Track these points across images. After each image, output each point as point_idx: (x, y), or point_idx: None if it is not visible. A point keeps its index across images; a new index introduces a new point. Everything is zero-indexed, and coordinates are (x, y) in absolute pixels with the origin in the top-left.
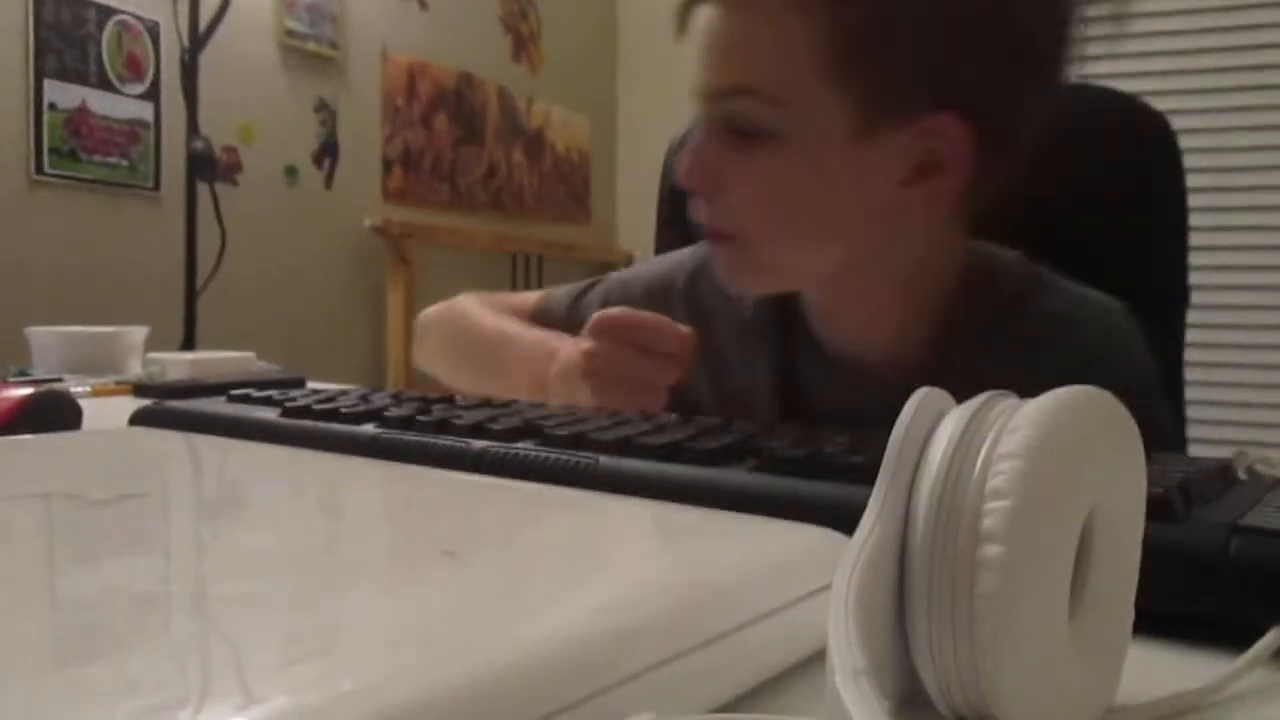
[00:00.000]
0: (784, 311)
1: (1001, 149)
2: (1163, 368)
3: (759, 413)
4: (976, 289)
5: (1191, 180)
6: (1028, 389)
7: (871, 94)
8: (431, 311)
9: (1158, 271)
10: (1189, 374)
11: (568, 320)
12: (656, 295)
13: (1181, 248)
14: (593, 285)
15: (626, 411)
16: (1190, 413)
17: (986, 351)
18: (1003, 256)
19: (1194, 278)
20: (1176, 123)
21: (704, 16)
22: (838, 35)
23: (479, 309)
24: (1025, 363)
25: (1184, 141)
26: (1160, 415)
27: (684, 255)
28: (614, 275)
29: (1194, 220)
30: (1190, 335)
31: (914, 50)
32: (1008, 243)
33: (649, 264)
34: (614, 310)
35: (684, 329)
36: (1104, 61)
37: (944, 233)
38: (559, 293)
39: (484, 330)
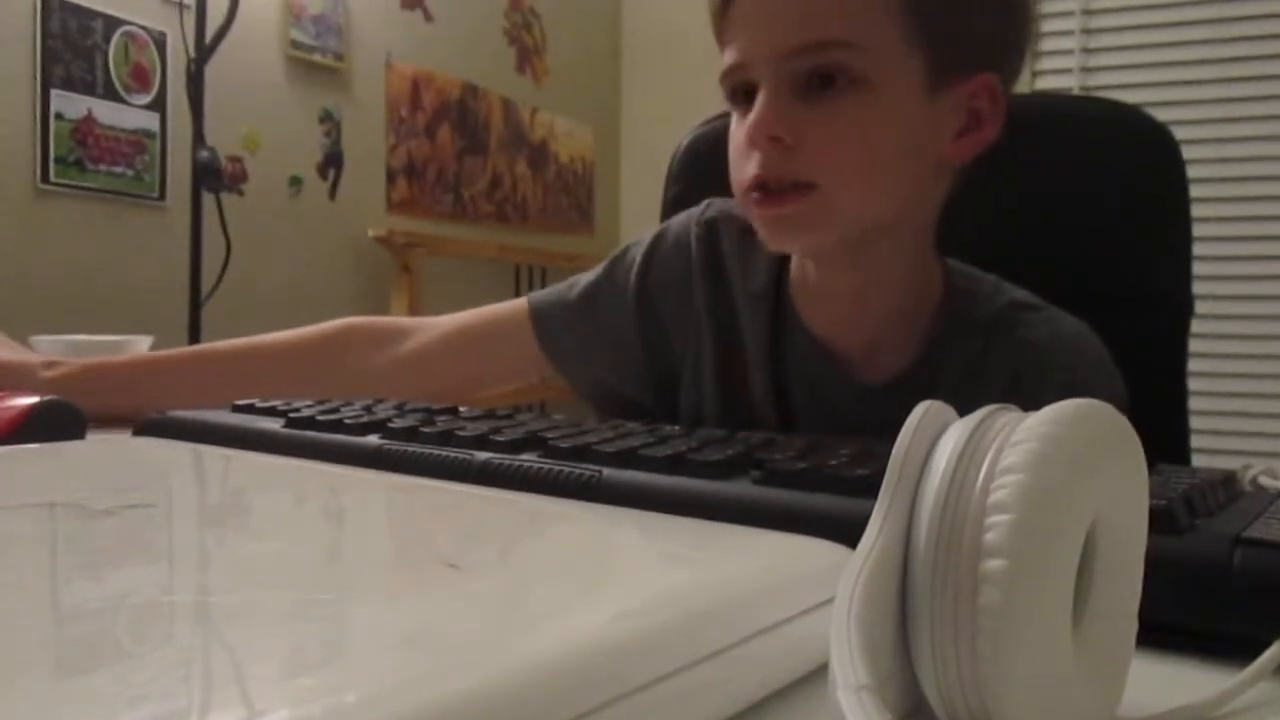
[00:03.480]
0: (780, 289)
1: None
2: (1168, 381)
3: (753, 377)
4: (956, 308)
5: (1195, 191)
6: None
7: (937, 54)
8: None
9: (1161, 282)
10: (1192, 384)
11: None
12: (684, 247)
13: (1185, 258)
14: (622, 255)
15: None
16: (1193, 423)
17: (967, 373)
18: (981, 279)
19: (1198, 288)
20: (1180, 133)
21: None
22: (916, 4)
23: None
24: (1008, 391)
25: (1188, 152)
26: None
27: (687, 217)
28: (644, 238)
29: (1198, 231)
30: (1194, 345)
31: (972, 16)
32: (1016, 254)
33: (656, 229)
34: None
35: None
36: (1108, 73)
37: (933, 254)
38: (561, 286)
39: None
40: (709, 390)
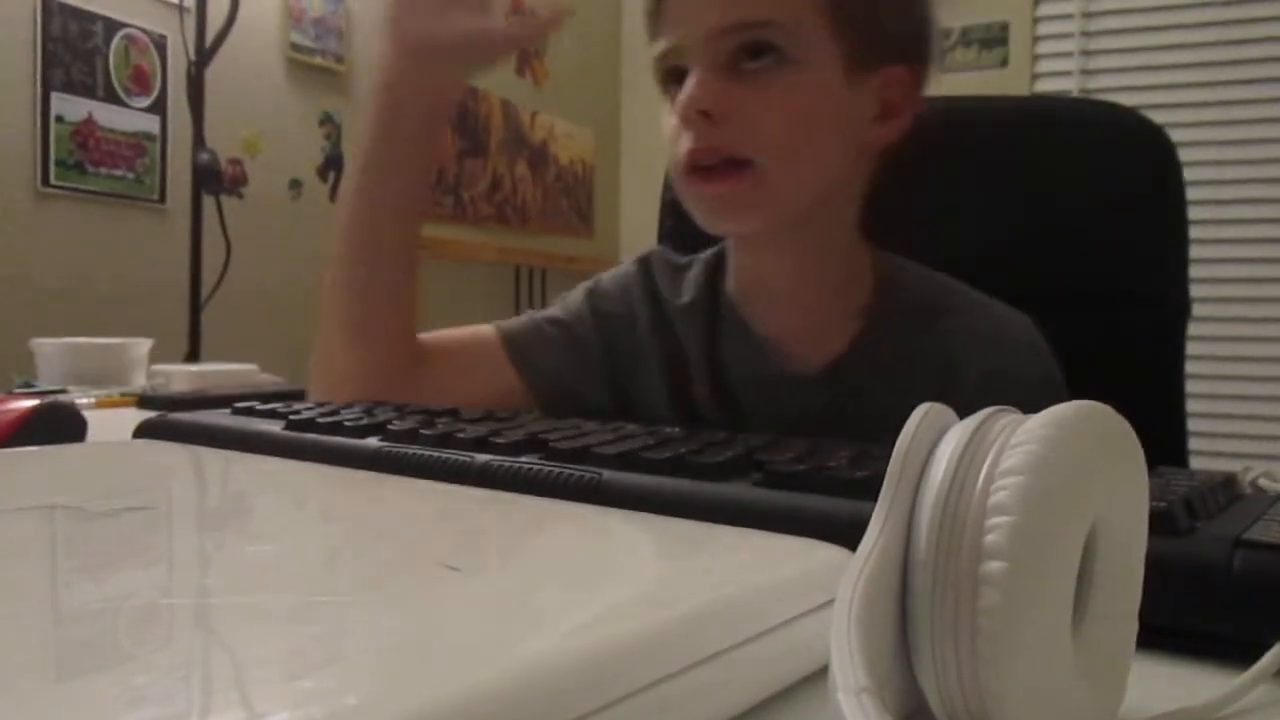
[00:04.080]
0: (715, 294)
1: (922, 102)
2: (1166, 382)
3: (696, 386)
4: (888, 295)
5: (1195, 192)
6: (947, 400)
7: (853, 43)
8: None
9: (1158, 283)
10: (1190, 386)
11: (562, 324)
12: (622, 287)
13: (1182, 259)
14: (566, 295)
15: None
16: (1191, 425)
17: (901, 357)
18: (911, 267)
19: (1196, 289)
20: (1179, 135)
21: None
22: None
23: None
24: (945, 375)
25: (1188, 153)
26: None
27: (628, 263)
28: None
29: (1197, 232)
30: (1192, 347)
31: (881, 11)
32: (1013, 255)
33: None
34: None
35: None
36: (1108, 74)
37: (861, 243)
38: (524, 316)
39: (343, 213)
40: (661, 401)
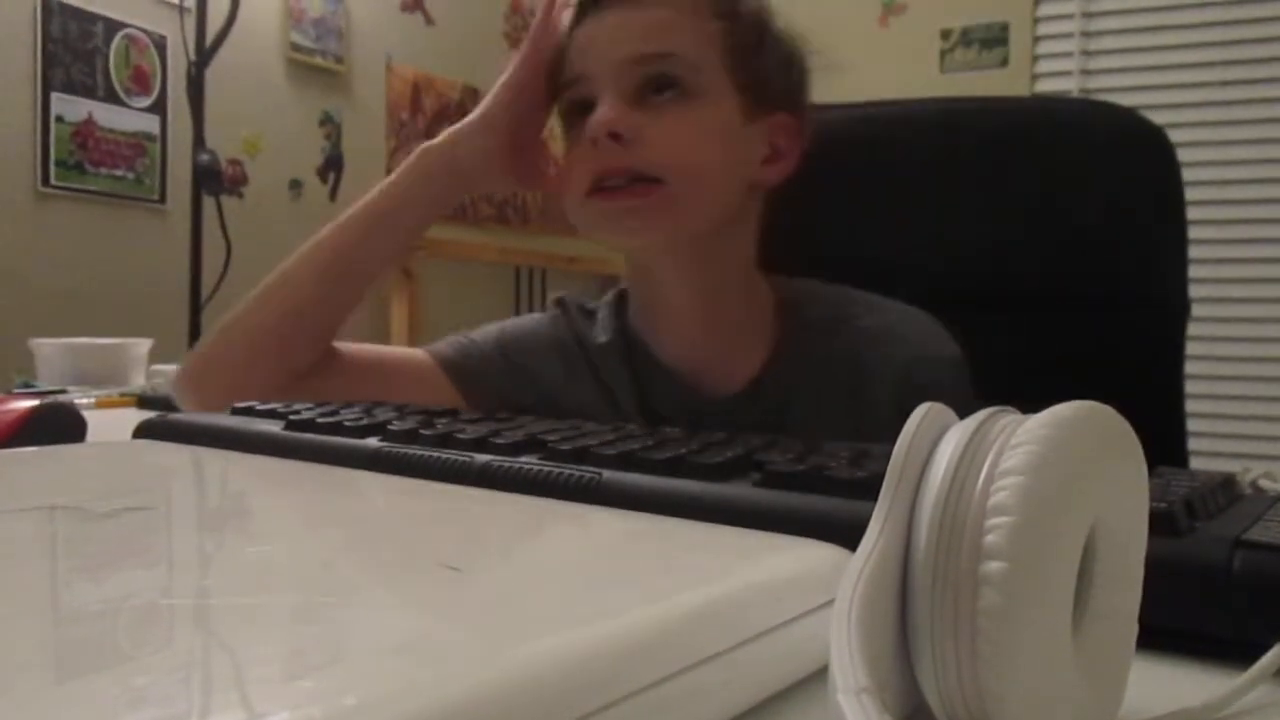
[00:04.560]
0: (625, 332)
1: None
2: (1165, 382)
3: (629, 420)
4: (793, 311)
5: (1196, 193)
6: (858, 396)
7: (748, 87)
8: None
9: (1157, 283)
10: (1191, 386)
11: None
12: (534, 323)
13: (1181, 260)
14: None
15: None
16: (1192, 425)
17: (814, 366)
18: (809, 284)
19: (1198, 290)
20: (1180, 135)
21: (602, 17)
22: (730, 41)
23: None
24: (851, 375)
25: (1188, 154)
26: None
27: (543, 313)
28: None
29: (1197, 233)
30: (1192, 348)
31: (766, 62)
32: (1011, 257)
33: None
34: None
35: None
36: (1108, 75)
37: (758, 272)
38: (455, 338)
39: (338, 226)
40: None
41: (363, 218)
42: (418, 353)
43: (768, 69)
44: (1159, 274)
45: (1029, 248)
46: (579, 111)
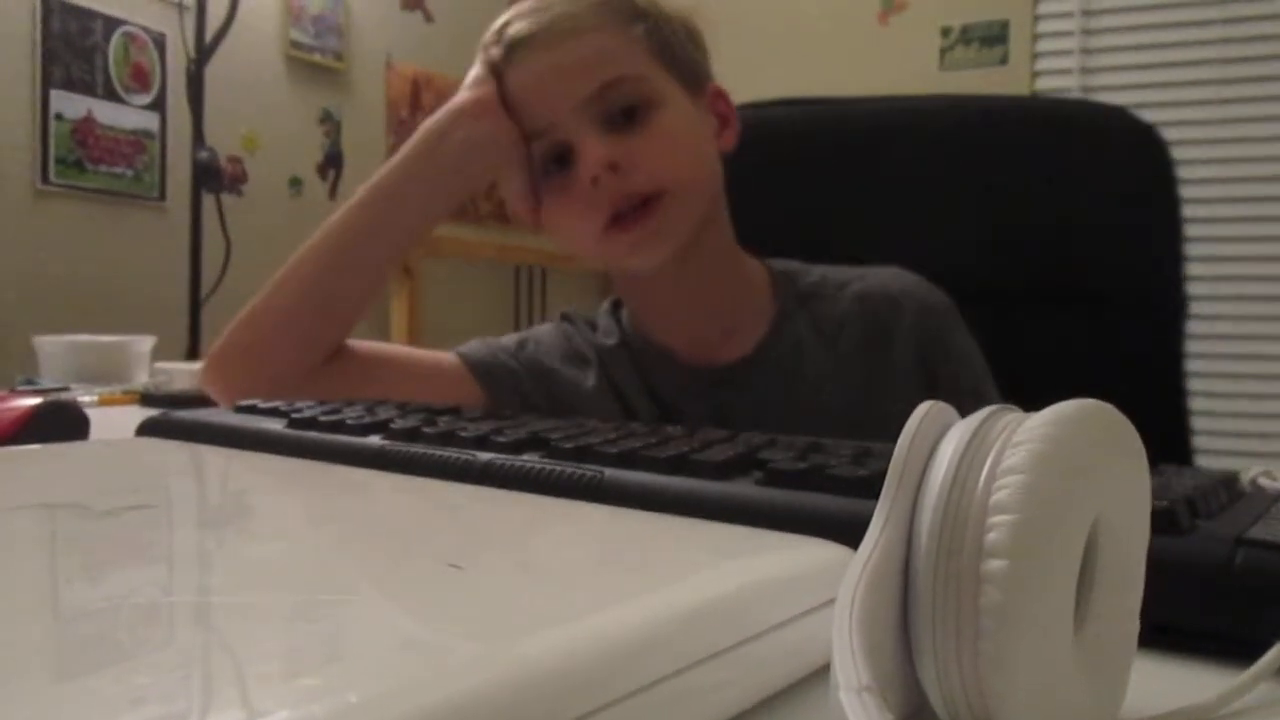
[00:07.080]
0: (632, 337)
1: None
2: (1166, 380)
3: (643, 416)
4: (785, 283)
5: (1195, 190)
6: (874, 348)
7: (684, 75)
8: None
9: (1153, 281)
10: (1196, 384)
11: (503, 364)
12: (548, 333)
13: (1176, 257)
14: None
15: None
16: (1197, 423)
17: (807, 331)
18: (788, 261)
19: (1198, 288)
20: (1180, 133)
21: (538, 57)
22: (654, 40)
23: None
24: (872, 326)
25: (1189, 152)
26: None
27: (552, 324)
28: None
29: (1197, 230)
30: (1193, 346)
31: (684, 49)
32: (1008, 256)
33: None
34: None
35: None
36: (1108, 73)
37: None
38: (481, 341)
39: (353, 205)
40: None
41: (371, 196)
42: (446, 354)
43: (687, 50)
44: (1155, 271)
45: (1022, 247)
46: (555, 160)
